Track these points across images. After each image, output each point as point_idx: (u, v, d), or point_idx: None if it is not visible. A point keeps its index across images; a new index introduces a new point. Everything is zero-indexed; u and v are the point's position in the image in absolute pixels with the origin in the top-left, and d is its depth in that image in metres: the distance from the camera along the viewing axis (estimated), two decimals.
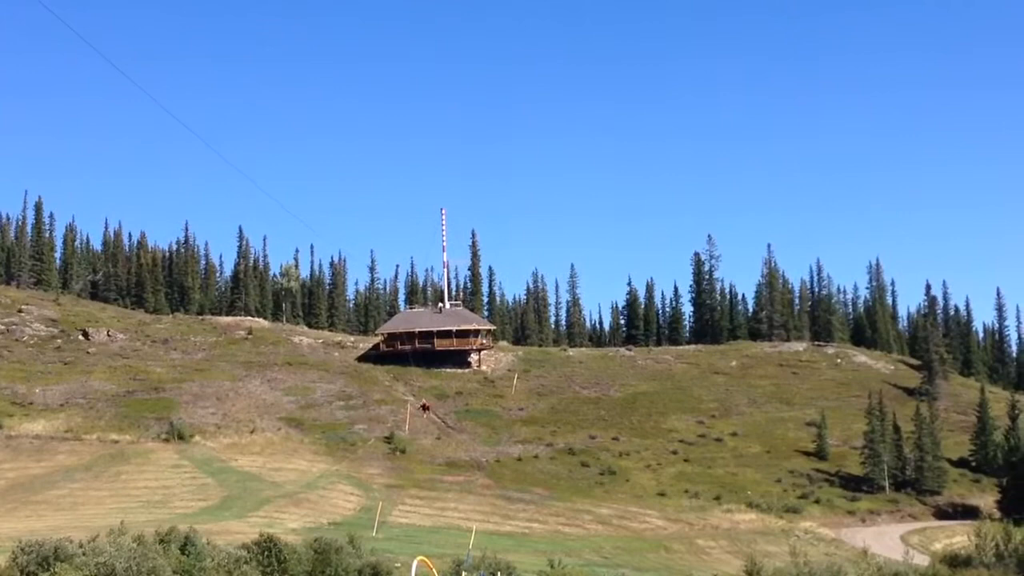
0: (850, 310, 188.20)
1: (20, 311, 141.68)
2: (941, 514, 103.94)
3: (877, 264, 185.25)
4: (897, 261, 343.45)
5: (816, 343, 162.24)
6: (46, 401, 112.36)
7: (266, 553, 35.00)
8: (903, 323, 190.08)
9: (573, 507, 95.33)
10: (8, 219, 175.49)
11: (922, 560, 60.09)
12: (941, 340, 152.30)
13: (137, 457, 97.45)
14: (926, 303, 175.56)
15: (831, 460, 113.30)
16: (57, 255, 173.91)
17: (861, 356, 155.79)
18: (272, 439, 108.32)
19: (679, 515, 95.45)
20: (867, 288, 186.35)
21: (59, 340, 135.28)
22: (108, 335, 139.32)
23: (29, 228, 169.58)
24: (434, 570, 37.67)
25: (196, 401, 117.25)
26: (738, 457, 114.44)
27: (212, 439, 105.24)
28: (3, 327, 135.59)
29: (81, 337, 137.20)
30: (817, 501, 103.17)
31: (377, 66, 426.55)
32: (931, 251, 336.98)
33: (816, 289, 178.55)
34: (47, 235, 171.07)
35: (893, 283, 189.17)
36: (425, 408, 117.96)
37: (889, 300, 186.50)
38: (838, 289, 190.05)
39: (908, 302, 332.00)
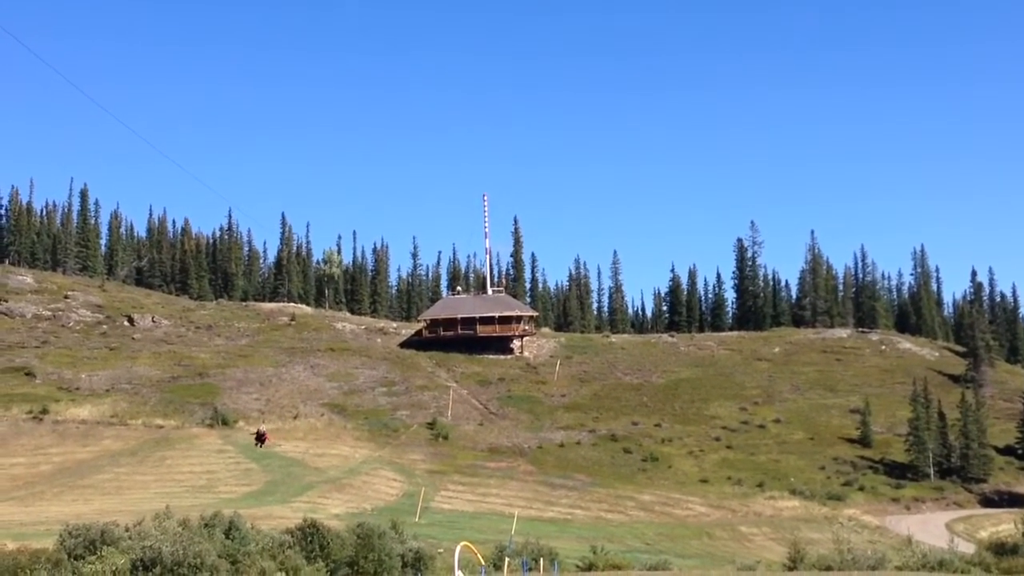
0: (894, 296, 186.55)
1: (66, 297, 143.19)
2: (987, 502, 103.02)
3: (922, 250, 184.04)
4: (942, 247, 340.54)
5: (860, 330, 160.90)
6: (92, 386, 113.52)
7: (309, 538, 35.12)
8: (948, 310, 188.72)
9: (615, 493, 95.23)
10: (54, 206, 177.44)
11: (967, 548, 59.54)
12: (987, 327, 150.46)
13: (181, 442, 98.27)
14: (972, 289, 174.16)
15: (875, 447, 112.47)
16: (102, 242, 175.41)
17: (906, 343, 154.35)
18: (315, 425, 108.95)
19: (722, 502, 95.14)
20: (912, 274, 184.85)
21: (104, 326, 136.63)
22: (153, 321, 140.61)
23: (75, 215, 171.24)
24: (478, 555, 37.64)
25: (240, 387, 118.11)
26: (781, 444, 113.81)
27: (255, 425, 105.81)
28: (50, 313, 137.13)
29: (126, 323, 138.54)
30: (861, 488, 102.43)
31: (420, 53, 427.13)
32: (977, 237, 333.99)
33: (860, 275, 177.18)
34: (92, 222, 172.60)
35: (938, 269, 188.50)
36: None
37: (934, 286, 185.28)
38: (882, 275, 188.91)
39: (953, 288, 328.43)
